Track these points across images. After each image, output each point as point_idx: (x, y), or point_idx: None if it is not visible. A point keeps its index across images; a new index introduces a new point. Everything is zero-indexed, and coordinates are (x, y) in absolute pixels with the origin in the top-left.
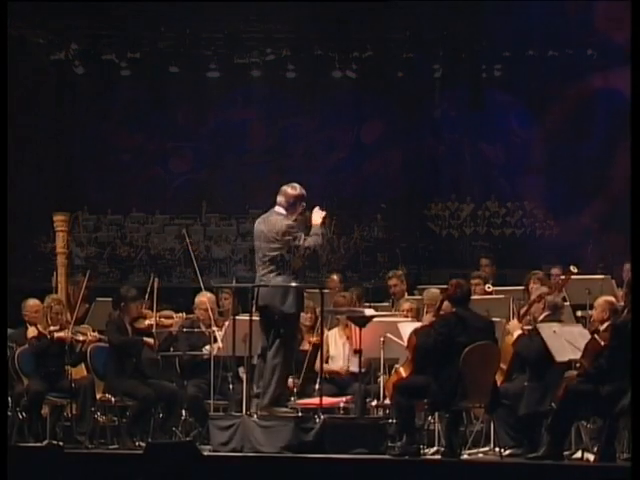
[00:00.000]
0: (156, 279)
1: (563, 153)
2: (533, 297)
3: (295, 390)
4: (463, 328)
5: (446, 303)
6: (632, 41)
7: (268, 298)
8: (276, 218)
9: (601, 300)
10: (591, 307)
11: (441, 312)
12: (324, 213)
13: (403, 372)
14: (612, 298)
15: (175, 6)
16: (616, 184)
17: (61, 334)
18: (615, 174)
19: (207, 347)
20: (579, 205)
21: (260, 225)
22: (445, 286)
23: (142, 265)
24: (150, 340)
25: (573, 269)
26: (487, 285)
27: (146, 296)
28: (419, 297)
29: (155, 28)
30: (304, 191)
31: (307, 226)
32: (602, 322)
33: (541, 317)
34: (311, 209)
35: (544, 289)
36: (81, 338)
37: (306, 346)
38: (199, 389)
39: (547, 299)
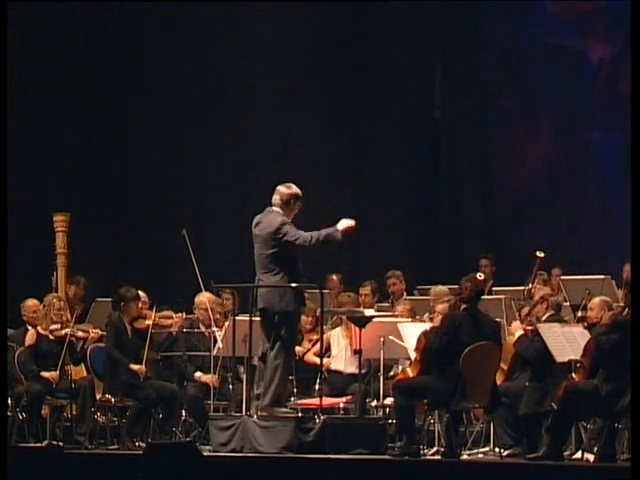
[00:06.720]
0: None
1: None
2: (536, 298)
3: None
4: (470, 328)
5: (446, 305)
6: (632, 41)
7: (267, 299)
8: (271, 216)
9: (597, 300)
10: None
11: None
12: (353, 225)
13: (410, 373)
14: (607, 298)
15: None
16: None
17: (62, 332)
18: None
19: (198, 373)
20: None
21: (256, 225)
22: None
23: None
24: (136, 367)
25: (539, 254)
26: (479, 274)
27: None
28: (419, 297)
29: None
30: (299, 190)
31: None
32: (600, 320)
33: (544, 317)
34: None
35: (547, 290)
36: (82, 335)
37: (307, 345)
38: (199, 389)
39: (550, 300)
